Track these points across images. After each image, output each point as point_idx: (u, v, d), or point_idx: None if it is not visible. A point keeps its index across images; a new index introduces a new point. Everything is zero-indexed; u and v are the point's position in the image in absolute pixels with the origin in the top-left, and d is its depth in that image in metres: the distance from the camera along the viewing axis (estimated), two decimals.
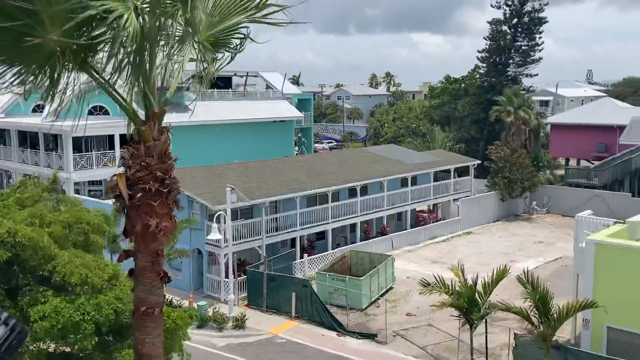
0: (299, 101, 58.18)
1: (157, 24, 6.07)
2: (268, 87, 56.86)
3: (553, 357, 18.56)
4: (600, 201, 42.46)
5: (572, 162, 55.57)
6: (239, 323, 25.39)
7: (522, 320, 19.11)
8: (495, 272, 20.48)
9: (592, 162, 51.07)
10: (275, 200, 31.71)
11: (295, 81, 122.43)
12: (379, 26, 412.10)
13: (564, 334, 22.40)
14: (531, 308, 18.42)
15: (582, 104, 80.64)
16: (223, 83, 50.52)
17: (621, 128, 46.56)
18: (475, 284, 20.08)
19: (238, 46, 6.84)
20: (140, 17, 5.87)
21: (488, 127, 54.41)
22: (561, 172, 54.02)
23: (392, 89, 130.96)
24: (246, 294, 28.51)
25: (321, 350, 23.35)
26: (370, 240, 36.00)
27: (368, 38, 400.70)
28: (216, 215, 26.00)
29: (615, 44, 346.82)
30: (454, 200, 42.74)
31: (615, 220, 24.27)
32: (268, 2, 6.63)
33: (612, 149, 47.85)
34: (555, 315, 17.84)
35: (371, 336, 24.52)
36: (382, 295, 28.66)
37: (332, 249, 33.95)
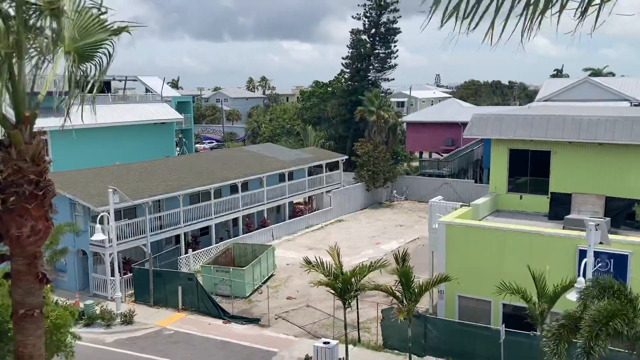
0: (179, 104, 56.55)
1: (24, 32, 5.64)
2: (147, 90, 54.67)
3: (415, 326, 19.56)
4: (449, 188, 45.37)
5: (425, 155, 58.90)
6: (127, 319, 24.28)
7: (388, 295, 19.93)
8: (369, 260, 21.16)
9: (442, 154, 54.39)
10: (159, 200, 30.63)
11: (175, 85, 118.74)
12: (252, 34, 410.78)
13: (423, 304, 23.69)
14: (396, 284, 19.25)
15: (432, 104, 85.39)
16: (102, 87, 47.87)
17: (464, 124, 49.64)
18: (341, 267, 20.57)
19: (107, 57, 6.55)
20: (5, 24, 5.41)
21: (354, 126, 56.12)
22: (416, 164, 57.02)
23: (268, 92, 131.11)
24: (133, 291, 27.33)
25: (208, 338, 22.94)
26: (252, 232, 35.86)
27: (242, 45, 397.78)
28: (99, 216, 24.64)
29: (457, 51, 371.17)
30: (327, 192, 43.68)
31: (461, 203, 26.00)
32: (126, 28, 6.44)
33: (458, 143, 51.29)
34: (416, 289, 18.79)
35: (255, 321, 24.46)
36: (264, 282, 28.68)
37: (216, 243, 33.43)
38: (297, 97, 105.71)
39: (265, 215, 38.00)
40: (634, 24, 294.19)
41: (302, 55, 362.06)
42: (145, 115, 47.31)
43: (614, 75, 74.73)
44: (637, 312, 12.60)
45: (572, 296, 14.77)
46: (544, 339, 13.08)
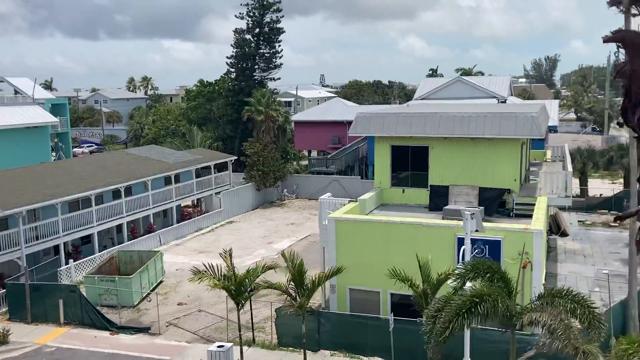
0: (53, 106, 52.87)
1: None
2: (17, 92, 50.64)
3: (308, 321, 19.81)
4: (338, 184, 46.46)
5: (314, 153, 59.81)
6: (2, 338, 22.34)
7: (282, 293, 20.00)
8: (261, 259, 21.07)
9: (329, 152, 55.53)
10: (34, 209, 28.48)
11: (48, 86, 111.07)
12: (130, 32, 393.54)
13: (316, 300, 24.06)
14: (289, 282, 19.36)
15: (318, 103, 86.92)
16: None
17: (349, 123, 51.12)
18: (233, 269, 20.36)
19: None
20: None
21: (241, 126, 55.67)
22: (305, 162, 57.78)
23: (150, 92, 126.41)
24: (7, 309, 25.19)
25: (94, 352, 21.69)
26: (138, 238, 34.40)
27: (120, 44, 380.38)
28: None
29: (339, 52, 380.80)
30: (216, 193, 42.97)
31: (349, 199, 26.72)
32: None
33: (344, 141, 52.65)
34: (308, 285, 19.02)
35: (144, 330, 23.51)
36: (153, 289, 27.64)
37: (100, 251, 31.70)
38: (182, 98, 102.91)
39: (152, 220, 36.63)
40: (498, 26, 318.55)
41: (185, 55, 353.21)
42: (15, 119, 43.78)
43: (482, 74, 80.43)
44: (511, 292, 13.67)
45: (453, 282, 15.66)
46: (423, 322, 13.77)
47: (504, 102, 42.53)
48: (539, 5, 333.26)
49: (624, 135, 50.15)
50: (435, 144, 24.92)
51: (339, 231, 22.11)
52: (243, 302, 19.79)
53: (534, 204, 22.99)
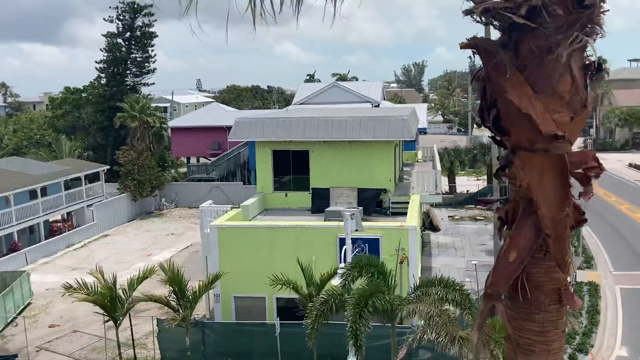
0: None
1: None
2: None
3: (192, 333, 19.27)
4: (219, 191, 45.73)
5: (193, 160, 58.41)
6: None
7: (163, 307, 19.28)
8: (140, 270, 20.16)
9: (209, 158, 54.56)
10: None
11: None
12: None
13: (200, 310, 23.48)
14: (170, 294, 18.72)
15: (195, 108, 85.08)
16: None
17: (229, 128, 50.60)
18: (115, 283, 19.39)
19: None
20: None
21: (114, 134, 53.04)
22: (184, 169, 56.26)
23: (10, 99, 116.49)
24: None
25: None
26: (1, 259, 31.52)
27: None
28: None
29: (216, 56, 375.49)
30: (88, 206, 40.51)
31: (232, 206, 26.42)
32: None
33: (224, 146, 51.97)
34: (190, 296, 18.51)
35: (11, 357, 21.54)
36: (19, 313, 25.44)
37: None
38: (47, 105, 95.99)
39: (16, 238, 33.73)
40: (369, 33, 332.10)
41: (48, 59, 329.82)
42: None
43: (357, 79, 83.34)
44: (391, 287, 14.27)
45: (336, 281, 16.02)
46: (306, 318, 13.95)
47: (378, 106, 44.34)
48: (406, 14, 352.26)
49: (485, 135, 54.57)
50: (315, 148, 25.39)
51: (221, 239, 21.75)
52: (121, 318, 18.82)
53: (408, 202, 24.17)
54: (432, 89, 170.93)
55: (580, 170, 4.44)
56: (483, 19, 4.37)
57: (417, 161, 37.23)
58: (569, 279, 4.97)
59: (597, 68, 4.46)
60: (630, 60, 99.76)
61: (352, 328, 12.64)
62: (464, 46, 4.50)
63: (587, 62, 4.41)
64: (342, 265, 16.54)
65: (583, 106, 4.41)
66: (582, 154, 4.50)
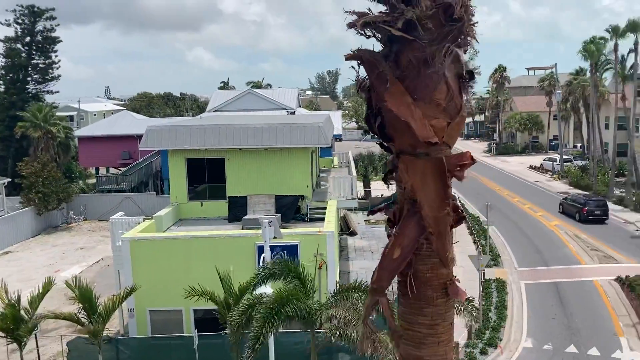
0: None
1: None
2: None
3: (106, 351, 18.46)
4: (131, 202, 44.12)
5: (102, 171, 56.00)
6: None
7: (74, 325, 18.33)
8: (40, 286, 19.03)
9: (120, 168, 52.53)
10: None
11: None
12: None
13: (114, 326, 22.53)
14: (80, 310, 17.84)
15: (104, 117, 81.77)
16: None
17: (140, 136, 49.07)
18: (19, 301, 18.22)
19: None
20: None
21: (15, 144, 49.91)
22: (93, 180, 53.85)
23: None
24: None
25: None
26: None
27: None
28: None
29: (124, 63, 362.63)
30: None
31: (144, 217, 25.59)
32: None
33: (135, 156, 50.25)
34: (102, 312, 17.73)
35: None
36: None
37: None
38: None
39: None
40: (282, 41, 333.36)
41: None
42: None
43: (271, 86, 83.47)
44: (309, 293, 14.35)
45: (257, 290, 15.90)
46: (228, 331, 13.79)
47: (293, 113, 44.62)
48: (317, 22, 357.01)
49: None
50: (231, 156, 25.13)
51: (134, 252, 21.00)
52: (25, 339, 17.69)
53: (325, 208, 24.46)
54: (346, 96, 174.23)
55: (458, 169, 4.79)
56: (366, 31, 4.63)
57: (334, 167, 37.78)
58: (454, 273, 5.31)
59: (470, 76, 4.84)
60: (528, 69, 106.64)
61: (257, 333, 12.53)
62: (349, 57, 4.76)
63: (461, 71, 4.76)
64: (260, 271, 16.46)
65: (458, 112, 4.77)
66: (461, 155, 4.85)
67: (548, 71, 74.77)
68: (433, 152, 4.73)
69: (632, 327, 23.10)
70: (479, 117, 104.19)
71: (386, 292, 5.21)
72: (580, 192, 48.27)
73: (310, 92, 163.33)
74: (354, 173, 31.87)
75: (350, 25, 4.63)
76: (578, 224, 39.23)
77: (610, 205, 44.78)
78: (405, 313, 5.13)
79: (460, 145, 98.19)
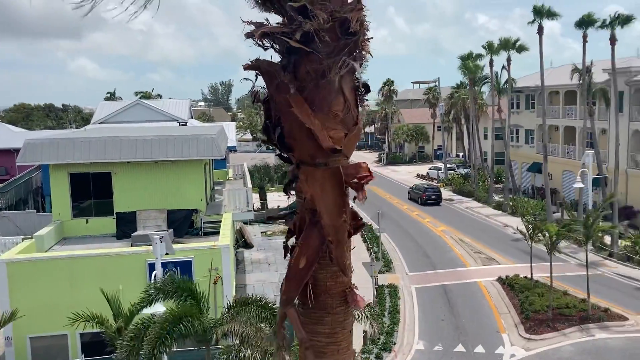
0: None
1: None
2: None
3: None
4: (8, 222, 40.69)
5: None
6: None
7: None
8: None
9: None
10: None
11: None
12: None
13: None
14: None
15: None
16: None
17: (17, 151, 45.69)
18: None
19: None
20: None
21: None
22: None
23: None
24: None
25: None
26: None
27: None
28: None
29: None
30: None
31: (23, 237, 23.76)
32: None
33: (12, 171, 46.62)
34: None
35: None
36: None
37: None
38: None
39: None
40: (172, 51, 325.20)
41: None
42: None
43: (161, 97, 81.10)
44: (203, 309, 13.96)
45: (148, 310, 15.23)
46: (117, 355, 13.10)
47: (185, 124, 43.54)
48: (208, 33, 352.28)
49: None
50: (119, 170, 24.01)
51: (11, 275, 19.37)
52: None
53: (220, 221, 24.02)
54: (240, 107, 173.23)
55: (355, 180, 4.91)
56: (265, 42, 4.65)
57: (228, 179, 37.28)
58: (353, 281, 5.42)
59: (365, 89, 5.02)
60: (414, 83, 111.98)
61: (149, 354, 12.04)
62: (247, 67, 4.75)
63: (357, 84, 4.91)
64: (150, 290, 15.79)
65: (355, 123, 4.93)
66: (357, 166, 4.99)
67: (432, 85, 78.99)
68: (332, 162, 4.82)
69: (512, 322, 24.76)
70: (369, 129, 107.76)
71: (295, 302, 5.19)
72: (423, 182, 59.79)
73: (203, 104, 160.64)
74: (250, 185, 31.63)
75: (248, 36, 4.60)
76: (420, 206, 50.67)
77: (490, 209, 48.03)
78: (306, 323, 5.12)
79: (353, 156, 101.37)
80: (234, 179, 37.71)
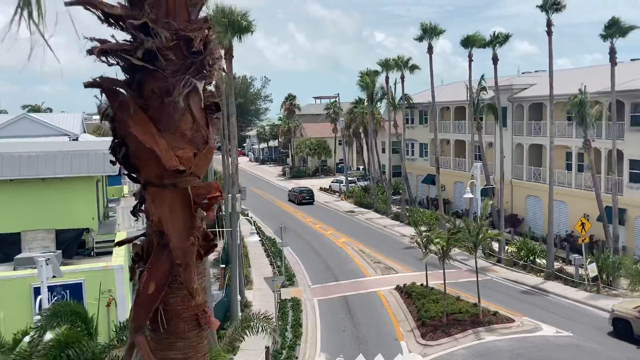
0: None
1: None
2: None
3: None
4: None
5: None
6: None
7: None
8: None
9: None
10: None
11: None
12: None
13: None
14: None
15: None
16: None
17: None
18: None
19: None
20: None
21: None
22: None
23: None
24: None
25: None
26: None
27: None
28: None
29: None
30: None
31: None
32: None
33: None
34: None
35: None
36: None
37: None
38: None
39: None
40: (66, 63, 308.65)
41: None
42: None
43: (52, 110, 76.69)
44: (93, 334, 13.20)
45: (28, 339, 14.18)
46: None
47: (77, 139, 41.36)
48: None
49: None
50: (0, 188, 22.30)
51: None
52: None
53: (114, 240, 22.94)
54: None
55: (205, 200, 4.85)
56: (109, 59, 4.55)
57: (124, 196, 35.79)
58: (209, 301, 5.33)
59: (216, 108, 5.02)
60: (315, 98, 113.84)
61: None
62: (87, 85, 4.61)
63: (207, 103, 4.90)
64: (38, 316, 14.74)
65: (205, 142, 4.88)
66: (208, 185, 4.94)
67: (332, 100, 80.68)
68: (180, 183, 4.71)
69: (410, 329, 25.61)
70: (273, 143, 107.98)
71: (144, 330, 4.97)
72: (302, 185, 68.17)
73: (97, 117, 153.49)
74: None
75: (90, 52, 4.45)
76: (298, 206, 58.77)
77: (388, 220, 49.59)
78: (158, 349, 4.93)
79: (257, 170, 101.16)
80: (130, 196, 36.24)
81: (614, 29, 30.69)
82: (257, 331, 17.71)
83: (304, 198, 59.79)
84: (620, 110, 34.52)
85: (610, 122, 33.34)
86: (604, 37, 31.21)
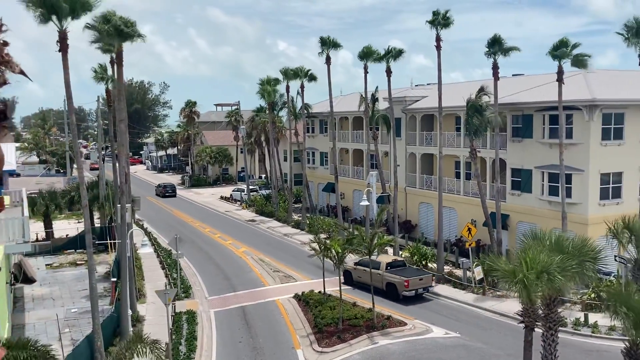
0: None
1: None
2: None
3: None
4: None
5: None
6: None
7: None
8: None
9: None
10: None
11: None
12: None
13: None
14: None
15: None
16: None
17: None
18: None
19: None
20: None
21: None
22: None
23: None
24: None
25: None
26: None
27: None
28: None
29: None
30: None
31: None
32: None
33: None
34: None
35: None
36: None
37: None
38: None
39: None
40: None
41: None
42: None
43: None
44: None
45: None
46: None
47: None
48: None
49: (88, 175, 51.94)
50: None
51: None
52: None
53: None
54: (25, 127, 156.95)
55: None
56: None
57: (6, 207, 33.12)
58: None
59: (3, 116, 4.78)
60: (216, 105, 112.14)
61: None
62: None
63: None
64: None
65: None
66: None
67: (234, 107, 79.82)
68: None
69: (307, 337, 25.66)
70: (172, 151, 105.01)
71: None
72: (167, 183, 77.34)
73: None
74: (26, 213, 28.42)
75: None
76: (165, 198, 70.12)
77: (289, 228, 49.68)
78: None
79: (154, 179, 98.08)
80: (13, 207, 33.65)
81: (496, 47, 32.68)
82: (146, 354, 17.01)
83: (167, 192, 72.22)
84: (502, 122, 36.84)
85: (494, 133, 35.44)
86: (487, 55, 33.17)
